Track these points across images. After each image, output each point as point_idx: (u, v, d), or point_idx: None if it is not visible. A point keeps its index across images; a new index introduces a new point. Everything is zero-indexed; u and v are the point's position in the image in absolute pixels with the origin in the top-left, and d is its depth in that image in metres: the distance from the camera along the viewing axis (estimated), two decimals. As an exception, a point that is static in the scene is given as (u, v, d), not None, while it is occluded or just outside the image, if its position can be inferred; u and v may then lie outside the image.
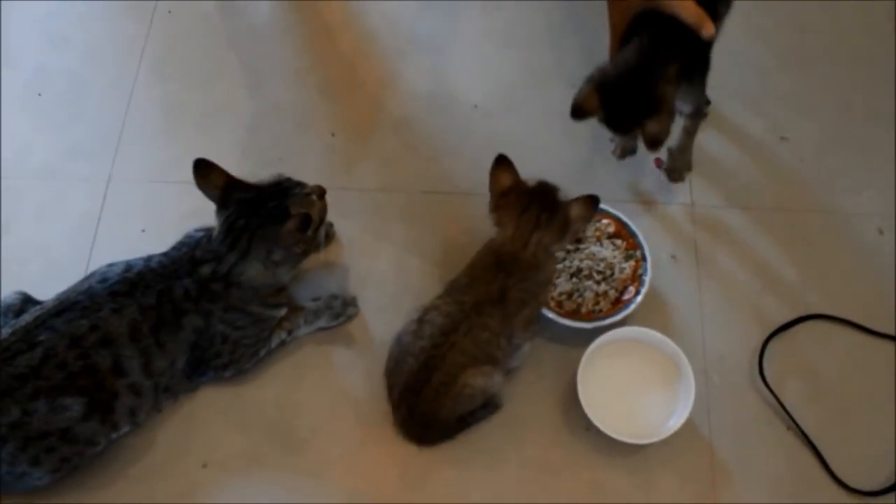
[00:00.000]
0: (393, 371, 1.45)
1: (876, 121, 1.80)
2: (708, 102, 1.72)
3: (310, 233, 1.42)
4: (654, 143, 1.39)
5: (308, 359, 1.56)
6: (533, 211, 1.36)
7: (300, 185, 1.46)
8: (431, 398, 1.40)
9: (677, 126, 1.56)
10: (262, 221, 1.40)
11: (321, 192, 1.48)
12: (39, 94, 1.84)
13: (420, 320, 1.42)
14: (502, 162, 1.39)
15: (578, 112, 1.40)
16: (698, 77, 1.51)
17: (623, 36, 1.44)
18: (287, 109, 1.81)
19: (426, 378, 1.39)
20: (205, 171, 1.41)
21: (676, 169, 1.68)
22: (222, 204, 1.42)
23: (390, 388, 1.46)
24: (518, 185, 1.38)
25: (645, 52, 1.38)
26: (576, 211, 1.37)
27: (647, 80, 1.37)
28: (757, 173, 1.74)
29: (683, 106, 1.53)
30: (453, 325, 1.38)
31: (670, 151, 1.66)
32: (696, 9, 1.36)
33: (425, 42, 1.90)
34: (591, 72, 1.42)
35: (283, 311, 1.52)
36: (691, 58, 1.43)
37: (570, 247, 1.58)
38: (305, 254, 1.47)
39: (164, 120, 1.81)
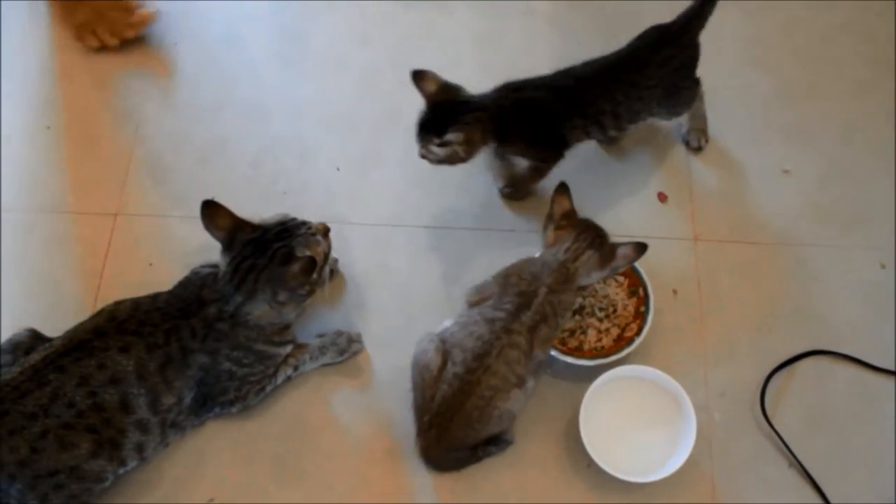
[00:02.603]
0: (420, 397, 1.47)
1: (877, 153, 1.81)
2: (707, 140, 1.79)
3: (315, 275, 1.43)
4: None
5: (313, 394, 1.58)
6: (590, 233, 1.48)
7: (305, 224, 1.47)
8: (464, 423, 1.42)
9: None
10: (268, 263, 1.42)
11: (325, 231, 1.50)
12: (48, 128, 1.86)
13: (446, 342, 1.46)
14: (564, 189, 1.50)
15: (417, 75, 1.56)
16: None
17: None
18: (292, 144, 1.83)
19: (461, 404, 1.41)
20: (212, 213, 1.43)
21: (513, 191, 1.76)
22: (228, 245, 1.44)
23: (419, 413, 1.48)
24: (574, 211, 1.50)
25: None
26: (624, 250, 1.45)
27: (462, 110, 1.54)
28: (759, 207, 1.75)
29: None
30: (486, 349, 1.41)
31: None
32: None
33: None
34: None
35: (288, 349, 1.54)
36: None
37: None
38: (311, 293, 1.48)
39: (170, 154, 1.82)
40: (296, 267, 1.40)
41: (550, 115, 1.60)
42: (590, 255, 1.45)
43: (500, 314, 1.43)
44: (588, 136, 1.65)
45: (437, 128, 1.52)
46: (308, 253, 1.42)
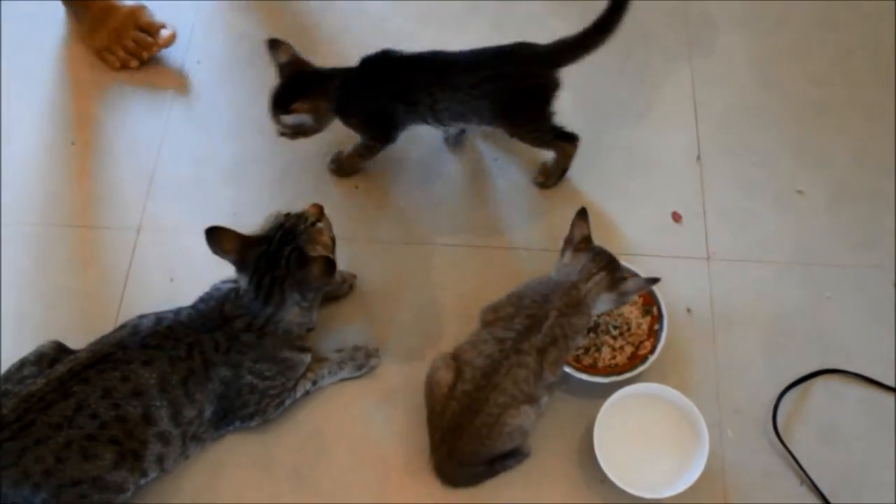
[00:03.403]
0: (432, 413, 1.50)
1: (889, 174, 1.83)
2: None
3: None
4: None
5: (331, 408, 1.60)
6: (604, 257, 1.50)
7: (300, 217, 1.49)
8: (474, 439, 1.45)
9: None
10: (286, 272, 1.44)
11: (320, 212, 1.52)
12: (72, 144, 1.90)
13: (457, 359, 1.48)
14: (585, 214, 1.53)
15: (272, 44, 1.63)
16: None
17: None
18: (312, 161, 1.85)
19: (470, 421, 1.43)
20: (218, 238, 1.45)
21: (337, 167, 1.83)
22: (240, 265, 1.46)
23: (432, 429, 1.51)
24: (590, 236, 1.53)
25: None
26: (633, 281, 1.48)
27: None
28: (772, 227, 1.77)
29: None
30: (494, 367, 1.44)
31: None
32: None
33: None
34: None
35: (308, 357, 1.56)
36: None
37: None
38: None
39: (191, 171, 1.86)
40: (315, 269, 1.42)
41: (379, 94, 1.64)
42: (602, 277, 1.48)
43: (510, 334, 1.45)
44: (416, 121, 1.68)
45: (284, 101, 1.59)
46: (321, 251, 1.45)
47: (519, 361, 1.43)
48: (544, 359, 1.45)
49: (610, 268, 1.49)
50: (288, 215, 1.50)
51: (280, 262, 1.44)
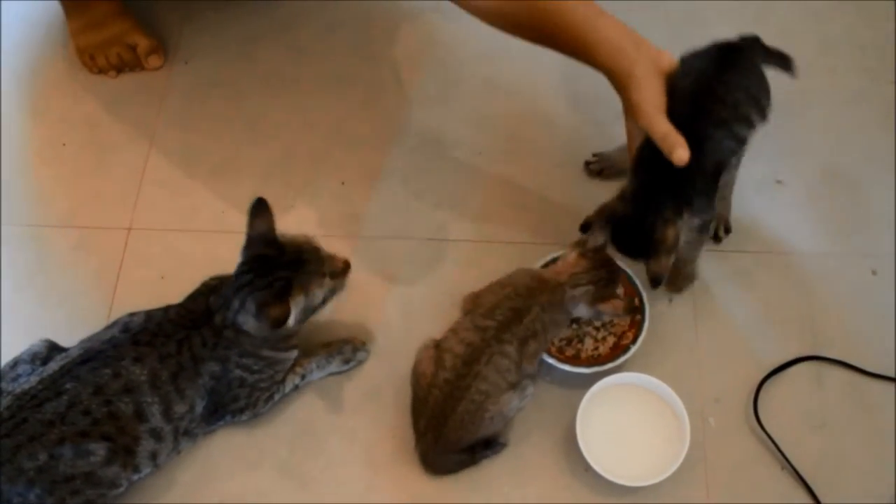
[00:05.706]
0: (416, 401, 1.53)
1: (869, 163, 1.85)
2: (727, 231, 1.74)
3: (291, 323, 1.44)
4: (654, 282, 1.46)
5: (319, 402, 1.62)
6: (602, 273, 1.51)
7: (319, 259, 1.46)
8: (458, 426, 1.47)
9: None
10: (263, 288, 1.43)
11: (343, 269, 1.50)
12: (64, 145, 1.92)
13: (438, 347, 1.51)
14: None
15: (587, 229, 1.51)
16: (700, 199, 1.49)
17: (634, 160, 1.50)
18: (299, 158, 1.88)
19: (453, 407, 1.45)
20: (259, 213, 1.45)
21: (675, 281, 1.68)
22: (247, 245, 1.47)
23: (416, 417, 1.53)
24: (604, 248, 1.52)
25: (641, 196, 1.45)
26: (612, 307, 1.50)
27: (647, 226, 1.42)
28: (752, 217, 1.79)
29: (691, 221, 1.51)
30: (475, 356, 1.45)
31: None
32: (666, 129, 1.39)
33: (431, 92, 1.97)
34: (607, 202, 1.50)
35: (295, 353, 1.58)
36: (687, 187, 1.44)
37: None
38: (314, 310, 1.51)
39: (181, 169, 1.88)
40: (275, 311, 1.41)
41: None
42: (588, 290, 1.50)
43: (492, 323, 1.47)
44: None
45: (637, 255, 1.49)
46: (300, 300, 1.44)
47: (501, 350, 1.45)
48: (524, 350, 1.47)
49: (599, 284, 1.50)
50: (315, 248, 1.48)
51: (268, 276, 1.44)
